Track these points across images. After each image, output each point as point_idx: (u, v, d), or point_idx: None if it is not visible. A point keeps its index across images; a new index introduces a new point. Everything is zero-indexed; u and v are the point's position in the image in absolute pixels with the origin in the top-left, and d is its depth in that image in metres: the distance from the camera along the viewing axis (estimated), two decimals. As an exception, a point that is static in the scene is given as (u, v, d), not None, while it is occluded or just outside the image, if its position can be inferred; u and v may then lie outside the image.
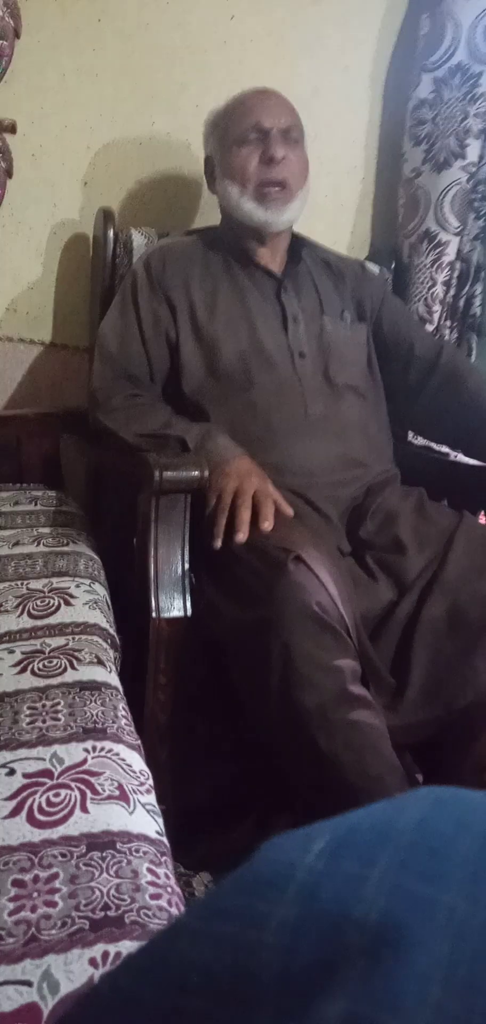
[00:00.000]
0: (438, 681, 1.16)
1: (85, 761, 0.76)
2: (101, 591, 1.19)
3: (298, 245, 1.58)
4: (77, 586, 1.16)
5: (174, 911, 0.62)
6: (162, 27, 1.75)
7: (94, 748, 0.79)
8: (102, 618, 1.09)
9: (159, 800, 0.77)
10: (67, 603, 1.10)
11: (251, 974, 0.26)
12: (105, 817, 0.69)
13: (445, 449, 1.69)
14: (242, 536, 1.17)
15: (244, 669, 1.13)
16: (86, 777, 0.74)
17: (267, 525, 1.17)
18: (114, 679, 0.95)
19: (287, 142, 1.45)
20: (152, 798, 0.76)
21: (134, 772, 0.77)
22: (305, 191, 1.51)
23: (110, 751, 0.79)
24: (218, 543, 1.19)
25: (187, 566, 1.21)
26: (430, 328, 1.82)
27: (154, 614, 1.18)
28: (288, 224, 1.50)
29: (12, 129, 1.67)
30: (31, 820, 0.68)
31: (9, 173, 1.69)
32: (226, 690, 1.18)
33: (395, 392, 1.59)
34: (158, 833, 0.71)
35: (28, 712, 0.84)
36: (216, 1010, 0.26)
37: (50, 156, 1.74)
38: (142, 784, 0.76)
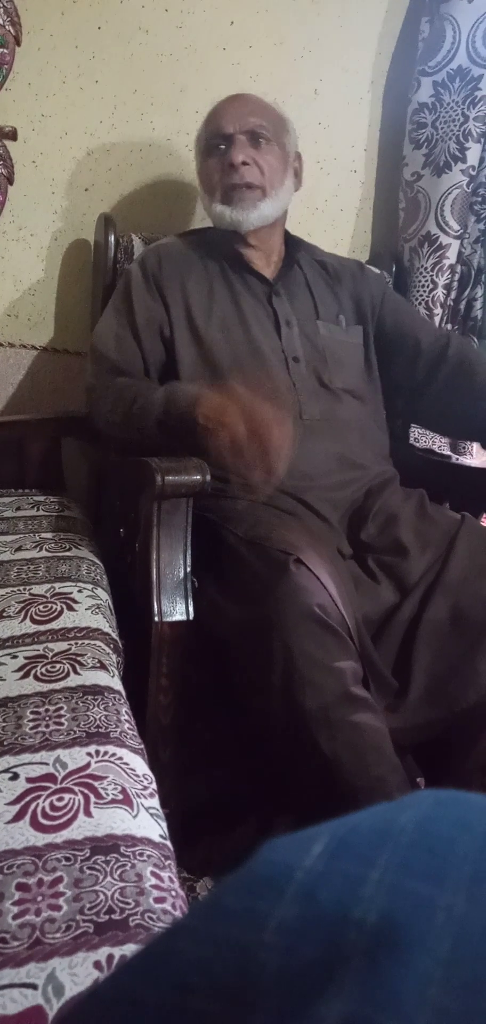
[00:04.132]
0: (440, 682, 1.16)
1: (88, 765, 0.76)
2: (103, 595, 1.20)
3: (294, 248, 1.57)
4: (80, 591, 1.16)
5: (178, 915, 0.62)
6: (162, 32, 1.75)
7: (97, 752, 0.79)
8: (105, 623, 1.10)
9: (162, 803, 0.77)
10: (70, 608, 1.10)
11: (250, 974, 0.27)
12: (109, 821, 0.69)
13: (447, 451, 1.69)
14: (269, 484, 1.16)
15: (245, 670, 1.13)
16: (89, 781, 0.74)
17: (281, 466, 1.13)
18: (117, 683, 0.96)
19: (254, 144, 1.46)
20: (155, 802, 0.76)
21: (137, 776, 0.77)
22: (283, 190, 1.50)
23: (113, 755, 0.79)
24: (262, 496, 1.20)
25: (189, 569, 1.21)
26: (431, 330, 1.82)
27: (156, 618, 1.18)
28: (262, 222, 1.48)
29: (13, 136, 1.68)
30: (35, 824, 0.68)
31: (10, 179, 1.70)
32: (227, 691, 1.18)
33: (403, 388, 1.58)
34: (162, 837, 0.71)
35: (31, 717, 0.84)
36: (215, 1010, 0.26)
37: (51, 162, 1.75)
38: (145, 788, 0.76)
